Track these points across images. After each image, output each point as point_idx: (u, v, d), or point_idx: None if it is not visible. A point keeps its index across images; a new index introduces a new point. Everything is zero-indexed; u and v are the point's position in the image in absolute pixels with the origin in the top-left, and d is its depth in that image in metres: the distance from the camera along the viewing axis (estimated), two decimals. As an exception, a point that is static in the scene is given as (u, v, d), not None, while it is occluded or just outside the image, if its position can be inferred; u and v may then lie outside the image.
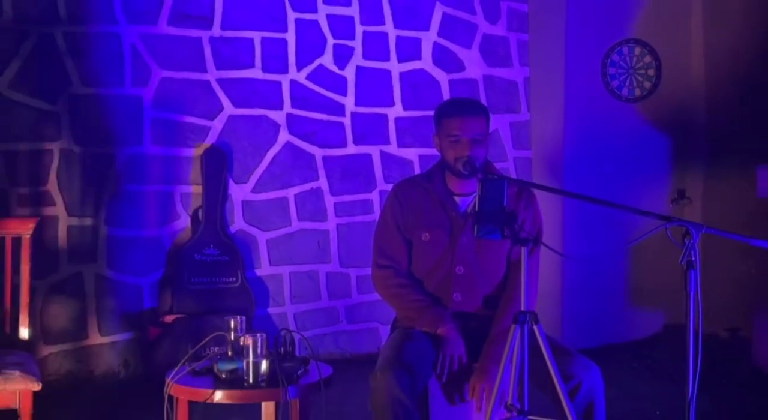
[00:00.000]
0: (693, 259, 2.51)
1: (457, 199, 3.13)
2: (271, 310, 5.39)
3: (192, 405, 2.90)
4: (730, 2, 5.73)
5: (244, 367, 2.77)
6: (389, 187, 5.47)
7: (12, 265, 3.63)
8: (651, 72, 5.82)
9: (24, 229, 3.64)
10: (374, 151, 5.70)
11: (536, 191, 3.20)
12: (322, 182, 5.55)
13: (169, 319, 4.95)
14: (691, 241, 2.52)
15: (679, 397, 2.54)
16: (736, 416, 4.32)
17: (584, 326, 5.58)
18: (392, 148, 5.72)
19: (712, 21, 5.83)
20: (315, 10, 5.50)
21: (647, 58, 5.80)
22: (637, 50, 5.79)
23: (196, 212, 5.19)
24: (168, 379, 2.85)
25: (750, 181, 4.66)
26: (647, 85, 5.81)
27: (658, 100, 5.84)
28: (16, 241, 3.63)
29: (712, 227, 2.74)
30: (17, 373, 3.17)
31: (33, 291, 3.74)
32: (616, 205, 2.91)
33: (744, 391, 4.59)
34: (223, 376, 2.79)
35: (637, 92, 5.81)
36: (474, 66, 5.90)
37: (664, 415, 4.25)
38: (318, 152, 5.53)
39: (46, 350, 4.85)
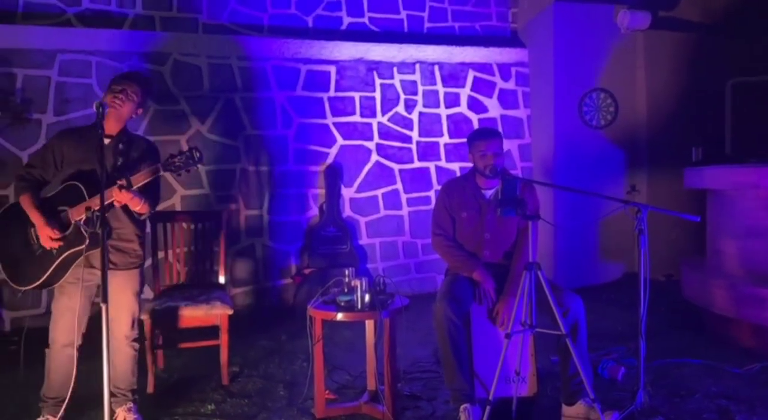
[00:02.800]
0: (643, 227, 2.64)
1: (483, 191, 3.12)
2: (369, 265, 5.46)
3: (323, 322, 2.92)
4: (662, 60, 5.64)
5: (355, 299, 2.84)
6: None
7: (213, 238, 3.76)
8: (611, 109, 5.72)
9: (220, 216, 3.75)
10: (431, 165, 5.71)
11: (536, 186, 3.23)
12: (399, 186, 5.61)
13: (307, 271, 5.05)
14: (641, 216, 2.63)
15: (633, 320, 2.64)
16: (672, 329, 4.23)
17: (570, 273, 5.54)
18: (442, 163, 5.74)
19: (651, 73, 5.73)
20: (392, 77, 5.57)
21: (609, 100, 5.71)
22: (602, 95, 5.69)
23: (321, 205, 5.30)
24: (309, 306, 2.92)
25: (679, 178, 4.54)
26: (609, 117, 5.72)
27: (616, 127, 5.74)
28: (216, 224, 3.74)
29: (655, 207, 2.94)
30: (218, 303, 3.36)
31: (226, 254, 3.77)
32: (590, 192, 3.03)
33: (677, 314, 4.53)
34: (342, 304, 2.85)
35: (603, 122, 5.71)
36: (494, 109, 5.89)
37: (623, 330, 4.20)
38: (396, 167, 5.60)
39: (234, 291, 5.01)
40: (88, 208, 2.58)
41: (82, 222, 2.62)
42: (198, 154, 2.72)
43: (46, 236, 2.65)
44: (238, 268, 5.09)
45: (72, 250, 2.68)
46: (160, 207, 4.77)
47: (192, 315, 3.31)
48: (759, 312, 3.61)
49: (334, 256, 5.15)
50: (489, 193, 3.11)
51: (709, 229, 4.30)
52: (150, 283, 4.71)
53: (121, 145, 2.79)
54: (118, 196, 2.61)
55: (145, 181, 2.67)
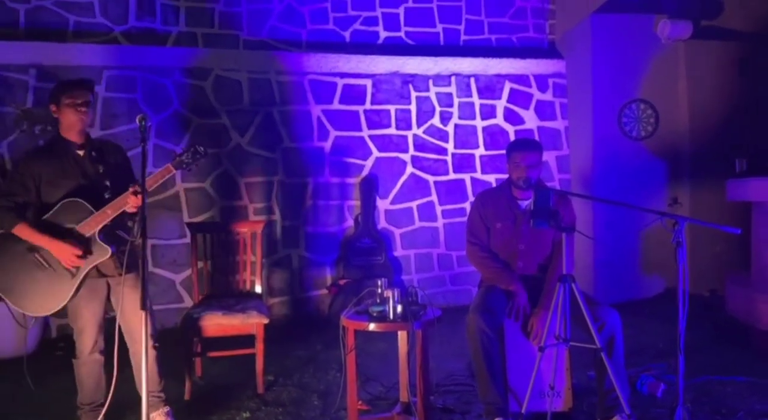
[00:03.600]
0: (681, 239, 2.56)
1: (519, 202, 3.10)
2: (404, 277, 5.44)
3: (357, 333, 2.92)
4: (705, 70, 5.54)
5: (387, 309, 2.83)
6: None
7: (251, 249, 3.80)
8: (652, 120, 5.62)
9: (257, 228, 3.81)
10: (466, 177, 5.70)
11: (574, 199, 3.21)
12: (434, 197, 5.61)
13: (342, 282, 5.08)
14: (679, 228, 2.55)
15: (674, 336, 2.58)
16: (716, 345, 4.11)
17: (610, 287, 5.42)
18: (478, 175, 5.72)
19: (693, 83, 5.62)
20: (428, 90, 5.60)
21: (649, 111, 5.61)
22: (642, 106, 5.59)
23: (356, 217, 5.33)
24: (342, 316, 2.92)
25: (723, 190, 4.45)
26: (649, 128, 5.62)
27: (657, 138, 5.63)
28: (253, 235, 3.78)
29: (694, 219, 2.84)
30: (255, 312, 3.39)
31: (262, 265, 3.88)
32: (626, 204, 2.95)
33: (721, 330, 4.39)
34: (375, 314, 2.84)
35: (643, 134, 5.61)
36: (531, 120, 5.86)
37: (664, 347, 4.11)
38: (431, 179, 5.60)
39: (271, 300, 5.07)
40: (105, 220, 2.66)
41: (98, 234, 2.67)
42: (202, 149, 2.78)
43: (71, 255, 2.63)
44: (274, 279, 5.16)
45: (94, 264, 2.73)
46: (199, 217, 4.96)
47: (229, 324, 3.36)
48: (807, 329, 3.49)
49: (369, 267, 5.17)
50: (524, 203, 3.09)
51: (754, 243, 4.18)
52: (189, 292, 4.87)
53: (94, 153, 2.82)
54: (133, 201, 2.64)
55: (159, 182, 2.72)
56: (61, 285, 2.69)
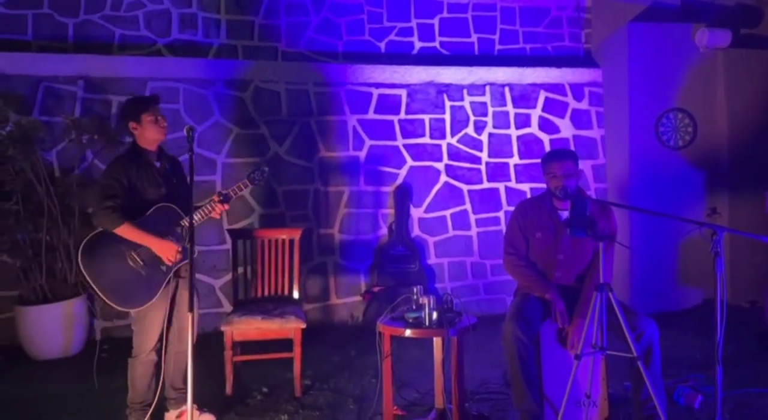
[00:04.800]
0: (719, 250, 2.55)
1: (559, 212, 3.10)
2: (437, 285, 5.46)
3: (392, 340, 2.99)
4: (744, 79, 5.47)
5: (423, 315, 2.90)
6: (511, 208, 5.53)
7: (289, 255, 3.87)
8: (690, 129, 5.56)
9: (295, 235, 3.89)
10: (500, 186, 5.70)
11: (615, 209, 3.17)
12: (468, 206, 5.62)
13: (376, 289, 5.13)
14: (717, 238, 2.55)
15: (711, 348, 2.54)
16: (755, 358, 4.04)
17: (647, 298, 5.35)
18: (512, 184, 5.72)
19: (732, 92, 5.57)
20: (462, 99, 5.63)
21: (687, 120, 5.55)
22: (680, 115, 5.53)
23: (390, 225, 5.38)
24: (378, 322, 3.00)
25: (761, 201, 4.46)
26: (687, 138, 5.57)
27: (695, 148, 5.56)
28: (291, 242, 3.86)
29: (732, 229, 2.82)
30: (293, 317, 3.49)
31: (300, 271, 3.93)
32: (663, 214, 2.91)
33: (762, 342, 4.33)
34: (411, 320, 2.92)
35: (681, 143, 5.55)
36: (566, 129, 5.84)
37: (702, 359, 4.06)
38: (465, 187, 5.62)
39: (306, 306, 5.13)
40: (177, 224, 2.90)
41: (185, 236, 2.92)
42: (266, 169, 3.17)
43: (173, 251, 2.87)
44: (310, 285, 5.24)
45: (181, 264, 2.96)
46: (239, 224, 5.09)
47: (267, 328, 3.46)
48: None
49: (403, 274, 5.22)
50: (565, 214, 3.09)
51: (796, 254, 4.12)
52: (228, 298, 5.00)
53: (168, 165, 3.10)
54: (219, 208, 2.97)
55: (239, 194, 3.07)
56: (153, 282, 2.90)
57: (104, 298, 2.86)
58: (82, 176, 4.74)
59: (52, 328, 4.28)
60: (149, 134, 2.98)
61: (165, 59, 5.11)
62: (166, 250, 2.88)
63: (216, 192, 3.12)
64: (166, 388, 3.11)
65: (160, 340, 2.96)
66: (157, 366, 2.96)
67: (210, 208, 2.99)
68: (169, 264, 2.88)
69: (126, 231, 2.85)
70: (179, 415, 3.11)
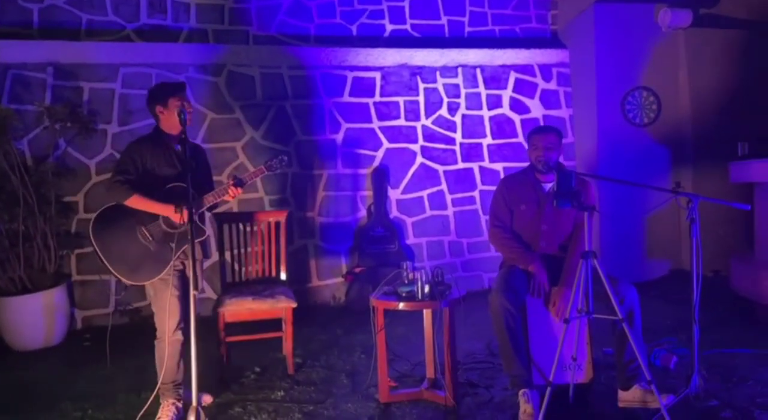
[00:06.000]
0: (694, 216, 2.74)
1: (542, 184, 3.22)
2: (416, 264, 5.20)
3: (385, 312, 3.08)
4: (705, 57, 5.67)
5: (415, 289, 3.00)
6: (485, 188, 5.70)
7: (275, 237, 3.87)
8: (654, 107, 5.75)
9: (281, 217, 3.91)
10: (474, 166, 5.81)
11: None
12: (444, 186, 5.72)
13: (357, 270, 5.20)
14: (693, 205, 2.74)
15: (681, 315, 2.74)
16: (722, 322, 4.21)
17: (616, 270, 5.13)
18: (485, 164, 5.83)
19: (693, 70, 5.75)
20: (435, 81, 5.71)
21: (651, 98, 5.74)
22: (645, 93, 5.73)
23: (369, 207, 5.46)
24: (371, 297, 3.08)
25: (725, 174, 4.59)
26: (652, 115, 5.75)
27: (660, 124, 5.75)
28: (278, 224, 3.87)
29: (707, 197, 2.98)
30: (283, 297, 3.53)
31: (286, 253, 3.88)
32: (640, 184, 3.12)
33: (726, 307, 4.53)
34: (403, 294, 3.01)
35: (646, 120, 5.73)
36: (536, 109, 5.97)
37: (672, 325, 4.20)
38: (440, 168, 5.72)
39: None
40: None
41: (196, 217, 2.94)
42: (285, 158, 3.24)
43: (183, 214, 2.79)
44: (291, 268, 5.18)
45: (187, 243, 2.88)
46: (221, 209, 5.04)
47: (259, 308, 3.50)
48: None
49: (383, 255, 5.30)
50: (548, 186, 3.21)
51: (758, 222, 4.36)
52: (209, 282, 4.99)
53: (189, 151, 3.01)
54: (233, 192, 3.01)
55: (255, 179, 3.15)
56: (161, 258, 2.94)
57: (111, 270, 2.90)
58: (56, 164, 4.68)
59: (33, 318, 4.24)
60: (173, 118, 3.00)
61: (135, 45, 5.04)
62: (175, 213, 2.90)
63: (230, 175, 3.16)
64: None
65: (183, 319, 2.96)
66: (184, 345, 2.94)
67: (223, 191, 3.03)
68: (180, 222, 2.86)
69: (136, 202, 2.91)
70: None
